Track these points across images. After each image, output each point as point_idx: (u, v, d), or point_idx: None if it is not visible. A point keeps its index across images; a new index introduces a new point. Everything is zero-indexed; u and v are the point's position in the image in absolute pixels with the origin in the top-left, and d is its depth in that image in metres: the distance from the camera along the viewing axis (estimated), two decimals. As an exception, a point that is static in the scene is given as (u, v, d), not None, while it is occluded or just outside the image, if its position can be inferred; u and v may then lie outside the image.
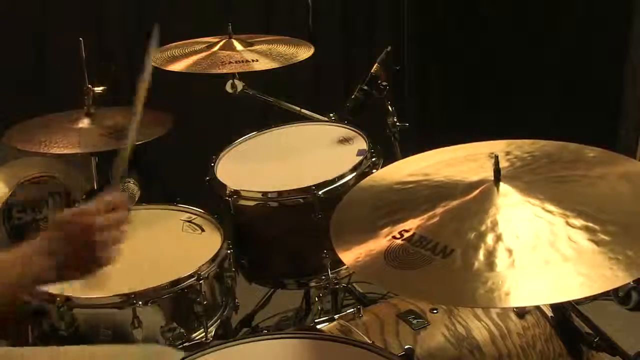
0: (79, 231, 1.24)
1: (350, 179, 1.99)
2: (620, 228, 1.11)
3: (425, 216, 1.23)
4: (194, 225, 1.98)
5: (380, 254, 1.18)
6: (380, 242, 1.20)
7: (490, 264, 1.09)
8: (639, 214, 1.16)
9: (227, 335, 1.94)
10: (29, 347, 1.72)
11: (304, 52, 2.37)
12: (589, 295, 1.01)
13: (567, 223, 1.13)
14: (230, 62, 2.28)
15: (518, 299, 1.06)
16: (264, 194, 1.98)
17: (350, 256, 1.21)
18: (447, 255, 1.13)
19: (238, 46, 2.40)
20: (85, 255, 1.25)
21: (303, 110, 2.45)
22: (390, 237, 1.21)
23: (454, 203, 1.24)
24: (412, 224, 1.22)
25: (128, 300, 1.68)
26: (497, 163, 1.25)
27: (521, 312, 1.53)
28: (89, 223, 1.24)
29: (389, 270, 1.15)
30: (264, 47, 2.41)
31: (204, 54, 2.34)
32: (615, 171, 1.29)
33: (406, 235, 1.20)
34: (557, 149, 1.40)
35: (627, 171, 1.29)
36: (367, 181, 1.50)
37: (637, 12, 3.14)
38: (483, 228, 1.16)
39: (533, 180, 1.27)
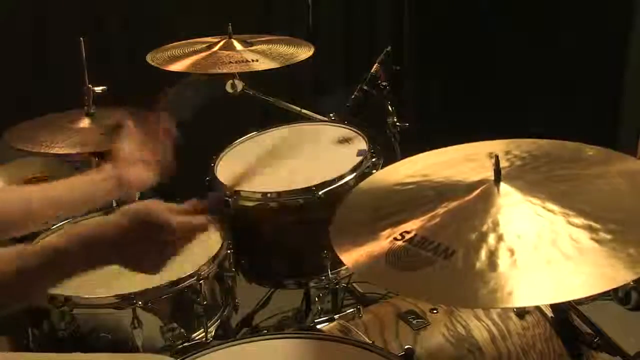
0: (157, 223, 1.19)
1: (351, 179, 1.99)
2: (621, 226, 1.11)
3: (426, 217, 1.23)
4: (194, 225, 1.97)
5: (382, 256, 1.18)
6: (381, 244, 1.20)
7: (492, 264, 1.09)
8: (639, 212, 1.16)
9: (227, 335, 1.94)
10: (31, 353, 1.72)
11: (304, 52, 2.37)
12: (591, 294, 1.01)
13: (568, 222, 1.13)
14: (230, 62, 2.28)
15: (521, 299, 1.06)
16: (264, 194, 1.98)
17: (351, 259, 1.20)
18: (448, 256, 1.13)
19: (238, 46, 2.40)
20: (150, 248, 1.21)
21: (303, 110, 2.45)
22: (391, 238, 1.20)
23: (455, 203, 1.24)
24: (413, 225, 1.22)
25: (128, 300, 1.68)
26: (497, 163, 1.25)
27: (521, 312, 1.53)
28: (168, 219, 1.20)
29: (390, 272, 1.15)
30: (264, 47, 2.41)
31: (204, 54, 2.34)
32: (614, 169, 1.29)
33: (407, 236, 1.20)
34: (556, 147, 1.41)
35: (627, 169, 1.29)
36: (367, 183, 1.50)
37: (637, 12, 3.14)
38: (484, 228, 1.16)
39: (533, 179, 1.27)
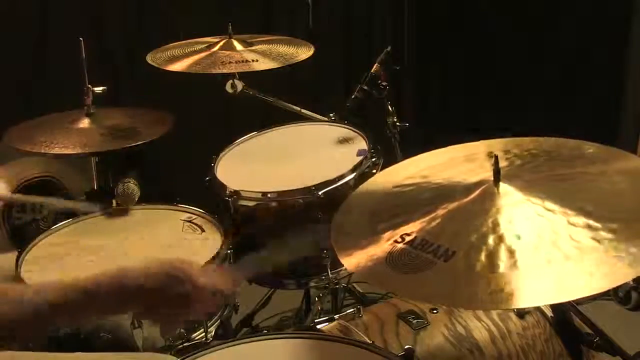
0: (182, 278, 1.19)
1: (350, 179, 1.99)
2: (621, 225, 1.11)
3: (426, 219, 1.22)
4: (194, 225, 1.97)
5: (382, 259, 1.17)
6: (381, 247, 1.20)
7: (492, 265, 1.09)
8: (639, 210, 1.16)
9: (227, 335, 1.94)
10: (31, 353, 1.72)
11: (304, 52, 2.37)
12: (593, 293, 1.00)
13: (569, 222, 1.13)
14: (230, 62, 2.28)
15: (522, 299, 1.06)
16: (264, 194, 1.98)
17: (352, 262, 1.20)
18: (449, 258, 1.12)
19: (238, 46, 2.40)
20: (168, 303, 1.21)
21: (303, 110, 2.45)
22: (391, 241, 1.20)
23: (455, 205, 1.24)
24: (413, 227, 1.21)
25: (128, 300, 1.67)
26: (496, 163, 1.24)
27: (521, 312, 1.53)
28: (195, 278, 1.20)
29: (391, 274, 1.15)
30: (264, 47, 2.41)
31: (204, 54, 2.34)
32: (614, 167, 1.29)
33: (407, 239, 1.19)
34: (555, 145, 1.40)
35: (627, 167, 1.29)
36: (366, 185, 1.49)
37: (637, 12, 3.14)
38: (484, 229, 1.15)
39: (533, 178, 1.27)
